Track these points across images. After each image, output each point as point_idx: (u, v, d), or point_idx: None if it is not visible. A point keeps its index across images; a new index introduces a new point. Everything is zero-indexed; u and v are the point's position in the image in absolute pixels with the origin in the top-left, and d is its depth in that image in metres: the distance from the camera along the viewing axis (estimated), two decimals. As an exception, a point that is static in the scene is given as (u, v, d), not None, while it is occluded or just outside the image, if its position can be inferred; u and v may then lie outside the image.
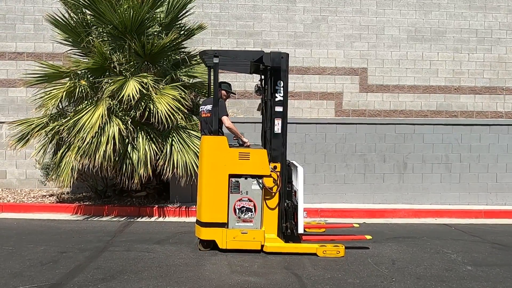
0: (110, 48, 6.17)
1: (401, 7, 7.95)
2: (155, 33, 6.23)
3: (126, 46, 6.05)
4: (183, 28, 6.69)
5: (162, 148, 6.09)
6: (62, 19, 6.19)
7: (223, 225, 4.43)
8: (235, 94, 5.64)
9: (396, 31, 7.95)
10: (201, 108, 4.93)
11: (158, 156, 6.05)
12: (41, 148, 6.37)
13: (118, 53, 6.17)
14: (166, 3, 6.36)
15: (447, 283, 3.73)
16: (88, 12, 6.20)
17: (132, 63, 6.14)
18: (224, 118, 4.68)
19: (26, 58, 7.53)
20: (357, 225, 5.37)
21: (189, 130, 6.26)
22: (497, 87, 8.13)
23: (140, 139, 6.02)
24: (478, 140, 7.14)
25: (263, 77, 4.82)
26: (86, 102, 6.17)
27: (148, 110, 5.93)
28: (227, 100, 5.07)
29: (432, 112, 8.06)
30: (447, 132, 7.11)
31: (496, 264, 4.28)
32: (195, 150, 6.07)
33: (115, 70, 6.07)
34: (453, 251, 4.69)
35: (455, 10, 8.04)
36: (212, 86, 4.83)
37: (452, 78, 8.08)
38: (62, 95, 6.07)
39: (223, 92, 4.98)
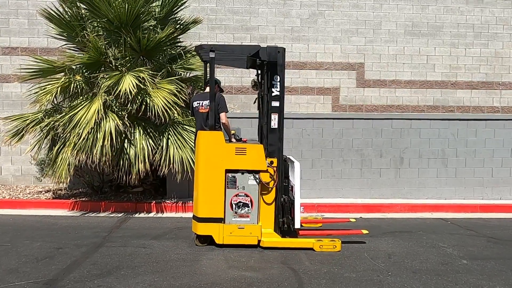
0: (105, 42, 6.11)
1: (398, 2, 7.92)
2: (151, 27, 6.18)
3: (121, 41, 6.00)
4: (179, 22, 6.63)
5: (159, 144, 6.07)
6: (56, 13, 6.12)
7: (220, 220, 4.43)
8: (223, 90, 5.70)
9: (393, 26, 7.93)
10: (198, 103, 4.90)
11: (155, 151, 6.03)
12: (36, 144, 6.33)
13: (114, 48, 6.11)
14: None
15: (443, 277, 3.75)
16: (82, 6, 6.13)
17: (128, 58, 6.09)
18: (223, 115, 4.71)
19: (20, 53, 7.45)
20: (354, 220, 5.39)
21: (185, 126, 6.23)
22: (493, 82, 8.14)
23: (137, 135, 5.99)
24: (474, 135, 7.16)
25: (259, 72, 4.79)
26: (81, 97, 6.13)
27: (144, 104, 5.90)
28: None
29: (429, 107, 8.06)
30: (443, 127, 7.12)
31: (491, 257, 4.31)
32: (191, 146, 6.04)
33: (111, 65, 6.02)
34: (448, 245, 4.72)
35: (452, 5, 8.02)
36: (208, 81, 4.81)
37: (449, 73, 8.08)
38: (57, 91, 6.02)
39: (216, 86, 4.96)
